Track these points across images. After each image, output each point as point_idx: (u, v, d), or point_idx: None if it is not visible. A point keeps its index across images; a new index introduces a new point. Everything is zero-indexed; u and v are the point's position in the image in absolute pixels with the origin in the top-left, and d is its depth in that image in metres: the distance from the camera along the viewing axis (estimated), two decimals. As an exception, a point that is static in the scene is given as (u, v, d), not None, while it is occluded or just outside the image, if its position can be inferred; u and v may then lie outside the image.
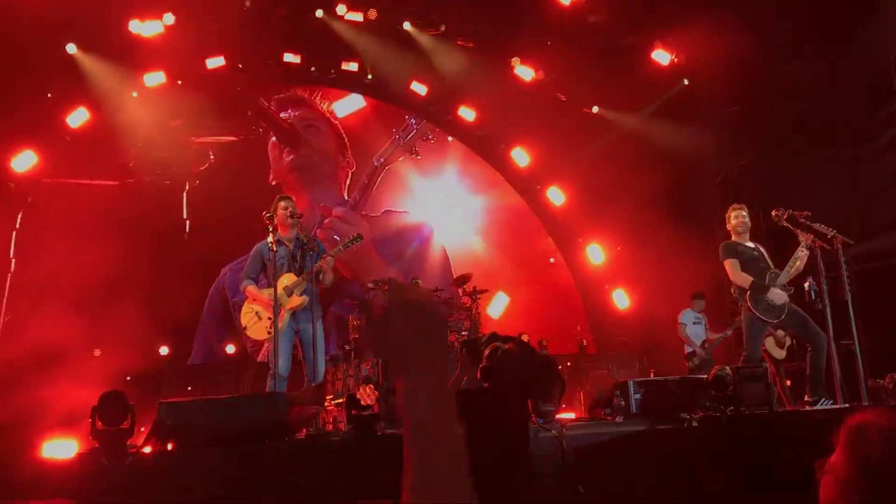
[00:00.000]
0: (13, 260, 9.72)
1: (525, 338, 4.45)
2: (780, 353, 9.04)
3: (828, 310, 6.74)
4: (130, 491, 4.27)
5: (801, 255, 6.95)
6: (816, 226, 6.93)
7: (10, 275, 9.51)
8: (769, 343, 8.88)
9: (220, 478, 4.50)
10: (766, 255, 7.37)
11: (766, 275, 7.11)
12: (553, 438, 5.24)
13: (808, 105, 11.02)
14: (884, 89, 10.53)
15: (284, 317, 6.65)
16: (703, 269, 13.66)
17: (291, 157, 11.67)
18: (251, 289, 6.92)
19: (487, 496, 3.81)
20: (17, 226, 9.93)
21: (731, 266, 7.28)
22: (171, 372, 9.81)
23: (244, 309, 7.01)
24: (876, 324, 10.56)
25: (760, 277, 7.10)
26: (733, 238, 7.51)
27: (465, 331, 9.53)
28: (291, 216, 6.77)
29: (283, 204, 6.88)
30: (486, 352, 4.02)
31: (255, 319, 6.87)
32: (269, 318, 6.68)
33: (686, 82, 13.18)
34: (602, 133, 13.47)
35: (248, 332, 6.96)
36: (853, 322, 6.74)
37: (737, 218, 7.49)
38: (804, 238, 6.94)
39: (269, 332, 6.70)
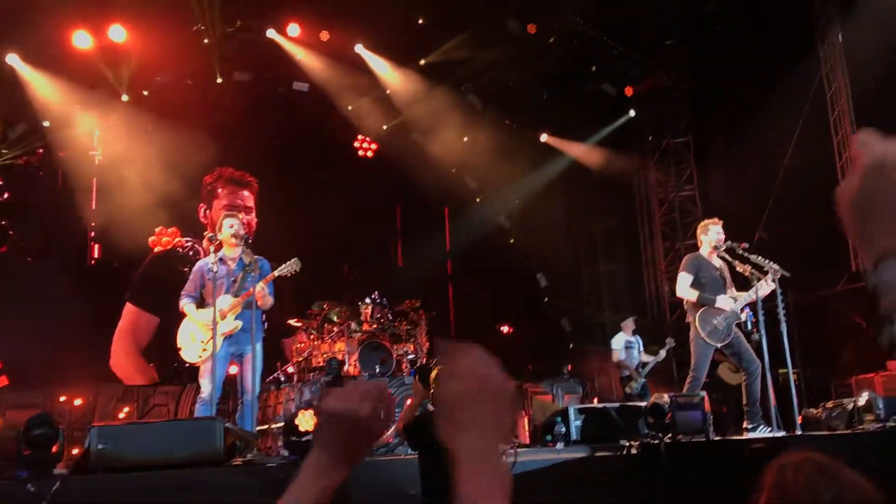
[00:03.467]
0: None
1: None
2: (735, 379, 9.15)
3: (763, 340, 6.87)
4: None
5: (764, 285, 6.94)
6: (753, 257, 7.08)
7: None
8: (723, 369, 8.99)
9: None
10: (728, 279, 7.30)
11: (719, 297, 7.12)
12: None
13: (751, 133, 11.36)
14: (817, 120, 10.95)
15: (218, 341, 6.39)
16: (647, 292, 13.97)
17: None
18: (191, 308, 6.68)
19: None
20: None
21: (681, 279, 7.26)
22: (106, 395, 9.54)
23: (181, 328, 6.79)
24: (813, 354, 10.89)
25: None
26: (702, 252, 7.39)
27: (410, 354, 9.49)
28: (235, 236, 6.63)
29: (228, 222, 6.71)
30: (433, 375, 4.02)
31: (189, 339, 6.67)
32: (202, 341, 6.51)
33: (633, 113, 13.47)
34: (550, 160, 13.68)
35: (182, 353, 6.74)
36: (788, 352, 6.89)
37: (719, 234, 7.29)
38: (771, 271, 6.94)
39: (200, 356, 6.52)
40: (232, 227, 6.66)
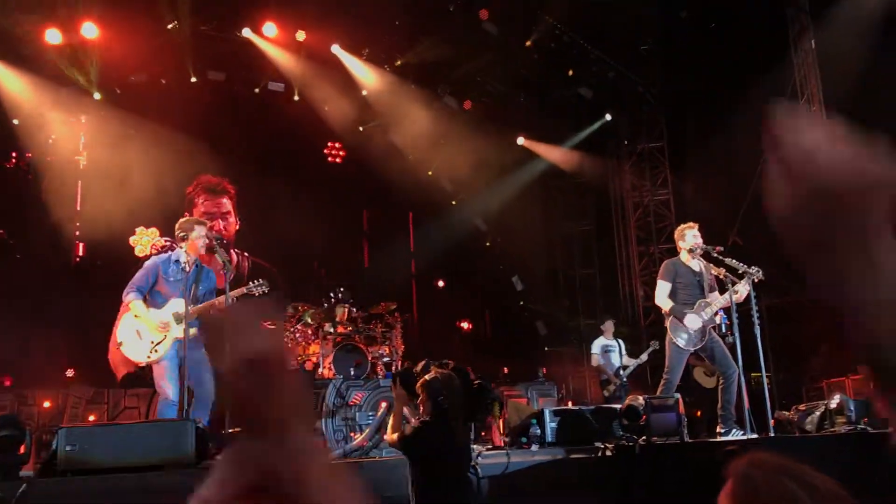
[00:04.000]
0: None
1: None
2: (710, 383, 9.16)
3: (737, 343, 6.90)
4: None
5: (740, 289, 6.95)
6: (728, 260, 7.11)
7: None
8: (698, 373, 9.01)
9: (121, 507, 4.31)
10: (708, 281, 7.28)
11: (696, 301, 7.14)
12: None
13: (725, 138, 11.44)
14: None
15: (168, 343, 6.31)
16: (622, 296, 14.01)
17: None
18: (138, 304, 6.38)
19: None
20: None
21: (659, 287, 7.32)
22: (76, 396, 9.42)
23: (123, 321, 6.51)
24: (785, 357, 11.00)
25: (690, 303, 7.14)
26: (681, 257, 7.39)
27: (385, 357, 9.44)
28: (205, 245, 6.52)
29: (200, 230, 6.56)
30: (423, 380, 3.97)
31: (134, 337, 6.39)
32: (153, 342, 6.32)
33: (608, 117, 13.54)
34: (526, 163, 13.70)
35: (123, 349, 6.44)
36: (761, 355, 6.93)
37: (695, 238, 7.27)
38: (746, 274, 6.96)
39: (149, 357, 6.33)
40: (207, 237, 6.58)
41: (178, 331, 6.31)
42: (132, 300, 6.38)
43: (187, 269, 6.20)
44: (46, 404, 9.06)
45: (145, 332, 6.37)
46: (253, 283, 6.75)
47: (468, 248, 14.02)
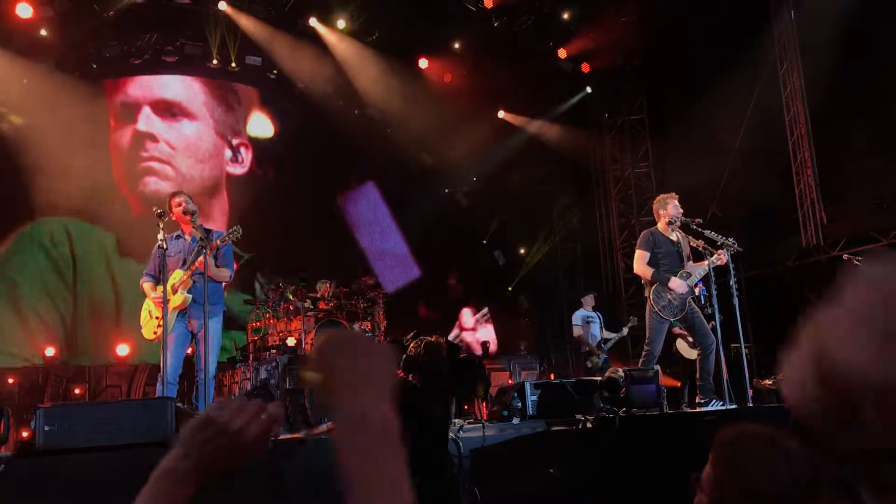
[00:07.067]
0: None
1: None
2: (692, 354, 9.21)
3: (716, 314, 6.94)
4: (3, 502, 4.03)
5: (716, 260, 6.97)
6: (707, 233, 7.12)
7: None
8: (680, 344, 9.05)
9: (101, 486, 4.29)
10: (685, 252, 7.29)
11: (676, 272, 7.12)
12: (450, 440, 5.23)
13: (706, 110, 11.45)
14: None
15: (172, 316, 6.33)
16: (603, 269, 14.06)
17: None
18: (147, 286, 6.57)
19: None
20: None
21: (638, 256, 7.26)
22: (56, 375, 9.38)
23: (143, 305, 6.66)
24: (764, 328, 11.10)
25: (671, 272, 7.09)
26: (659, 228, 7.34)
27: (367, 332, 9.43)
28: (185, 212, 6.46)
29: (176, 200, 6.48)
30: (412, 345, 3.95)
31: (147, 317, 6.54)
32: (157, 318, 6.36)
33: (589, 90, 13.50)
34: (507, 137, 13.65)
35: (143, 331, 6.60)
36: (740, 326, 6.98)
37: (676, 208, 7.23)
38: (725, 246, 6.97)
39: (155, 332, 6.40)
40: (180, 204, 6.47)
41: (175, 300, 6.35)
42: (143, 283, 6.62)
43: (165, 245, 6.11)
44: (26, 384, 9.02)
45: (153, 310, 6.53)
46: (227, 232, 6.68)
47: (450, 222, 14.00)
